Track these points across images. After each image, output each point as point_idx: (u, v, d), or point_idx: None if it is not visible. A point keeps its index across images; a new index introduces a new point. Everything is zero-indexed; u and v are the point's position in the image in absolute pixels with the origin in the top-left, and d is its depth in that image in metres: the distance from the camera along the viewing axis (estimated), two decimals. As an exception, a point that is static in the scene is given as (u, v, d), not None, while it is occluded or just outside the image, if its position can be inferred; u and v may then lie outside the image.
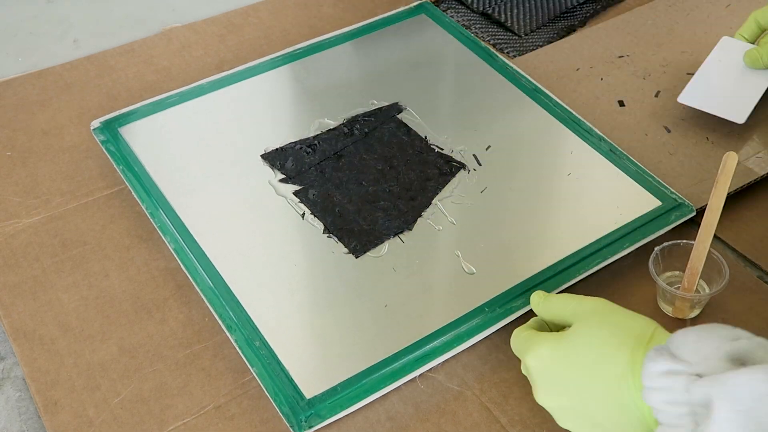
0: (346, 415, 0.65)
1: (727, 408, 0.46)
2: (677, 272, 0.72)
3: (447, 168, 0.80)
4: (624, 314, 0.59)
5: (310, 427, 0.62)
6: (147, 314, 0.72)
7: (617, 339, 0.56)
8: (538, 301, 0.65)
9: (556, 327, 0.64)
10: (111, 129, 0.84)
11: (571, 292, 0.72)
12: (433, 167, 0.80)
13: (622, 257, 0.75)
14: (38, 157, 0.85)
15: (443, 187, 0.78)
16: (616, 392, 0.55)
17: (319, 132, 0.84)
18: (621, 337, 0.56)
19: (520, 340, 0.62)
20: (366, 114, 0.86)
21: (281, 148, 0.82)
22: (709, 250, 0.69)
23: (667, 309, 0.71)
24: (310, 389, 0.64)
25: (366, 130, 0.84)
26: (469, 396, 0.66)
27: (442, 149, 0.82)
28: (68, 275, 0.74)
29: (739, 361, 0.50)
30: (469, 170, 0.80)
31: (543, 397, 0.60)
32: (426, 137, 0.83)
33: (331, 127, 0.84)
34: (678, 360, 0.51)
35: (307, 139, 0.83)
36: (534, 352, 0.60)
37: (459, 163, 0.81)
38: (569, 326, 0.61)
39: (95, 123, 0.84)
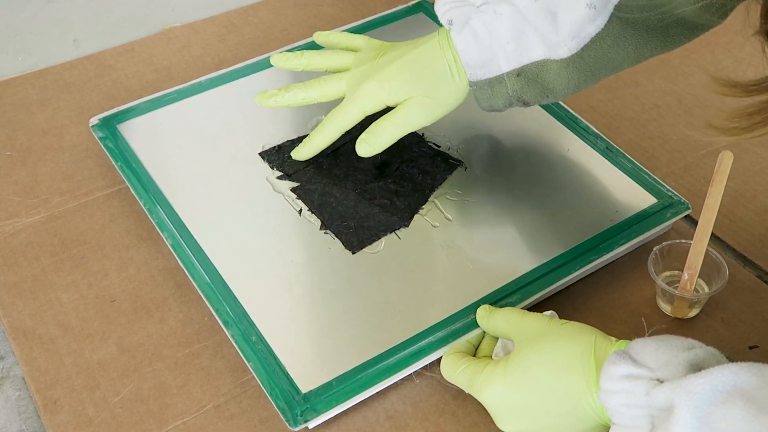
0: (345, 415, 0.65)
1: (688, 414, 0.49)
2: (676, 272, 0.72)
3: (444, 165, 0.80)
4: (564, 328, 0.61)
5: (306, 421, 0.62)
6: (146, 314, 0.72)
7: (565, 354, 0.59)
8: (483, 315, 0.67)
9: (486, 343, 0.67)
10: (109, 126, 0.84)
11: (570, 292, 0.73)
12: (430, 164, 0.80)
13: (621, 257, 0.75)
14: (38, 157, 0.85)
15: (440, 184, 0.79)
16: (577, 407, 0.58)
17: None
18: (568, 352, 0.59)
19: (463, 375, 0.63)
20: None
21: (279, 146, 0.82)
22: (708, 249, 0.70)
23: (666, 309, 0.71)
24: (306, 384, 0.64)
25: (363, 127, 0.84)
26: (468, 395, 0.66)
27: (439, 146, 0.82)
28: (68, 275, 0.74)
29: (697, 367, 0.53)
30: (465, 167, 0.80)
31: (506, 424, 0.61)
32: (423, 134, 0.83)
33: None
34: (639, 365, 0.54)
35: (305, 136, 0.83)
36: (489, 391, 0.61)
37: (456, 160, 0.81)
38: (508, 341, 0.65)
39: (94, 120, 0.85)
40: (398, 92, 0.72)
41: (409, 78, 0.71)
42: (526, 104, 0.72)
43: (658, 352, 0.54)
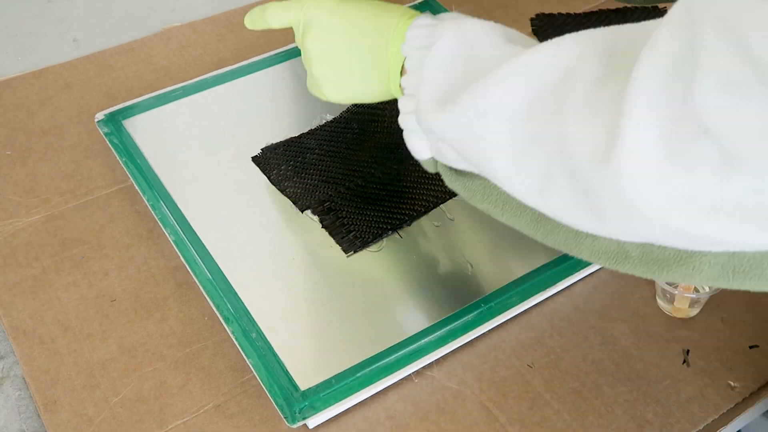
0: (346, 414, 0.65)
1: (451, 34, 0.54)
2: (676, 271, 0.72)
3: None
4: None
5: (304, 419, 0.62)
6: (146, 313, 0.72)
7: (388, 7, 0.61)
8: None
9: None
10: (115, 121, 0.84)
11: (570, 292, 0.73)
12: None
13: (621, 256, 0.75)
14: (38, 157, 0.85)
15: (455, 195, 0.77)
16: (377, 41, 0.60)
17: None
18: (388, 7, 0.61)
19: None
20: (363, 106, 0.85)
21: (274, 147, 0.81)
22: (708, 249, 0.70)
23: (666, 308, 0.71)
24: (304, 381, 0.64)
25: (364, 122, 0.83)
26: (468, 395, 0.66)
27: None
28: (68, 274, 0.74)
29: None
30: None
31: (311, 40, 0.62)
32: None
33: (328, 121, 0.84)
34: (441, 20, 0.57)
35: (303, 134, 0.83)
36: (317, 4, 0.62)
37: None
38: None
39: (99, 115, 0.85)
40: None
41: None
42: None
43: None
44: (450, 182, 0.59)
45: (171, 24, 1.02)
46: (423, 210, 0.76)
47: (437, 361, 0.68)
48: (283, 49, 0.93)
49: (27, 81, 0.94)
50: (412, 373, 0.67)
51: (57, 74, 0.95)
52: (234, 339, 0.67)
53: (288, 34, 1.00)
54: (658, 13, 1.01)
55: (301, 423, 0.62)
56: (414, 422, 0.64)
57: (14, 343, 0.70)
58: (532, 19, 1.01)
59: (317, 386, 0.64)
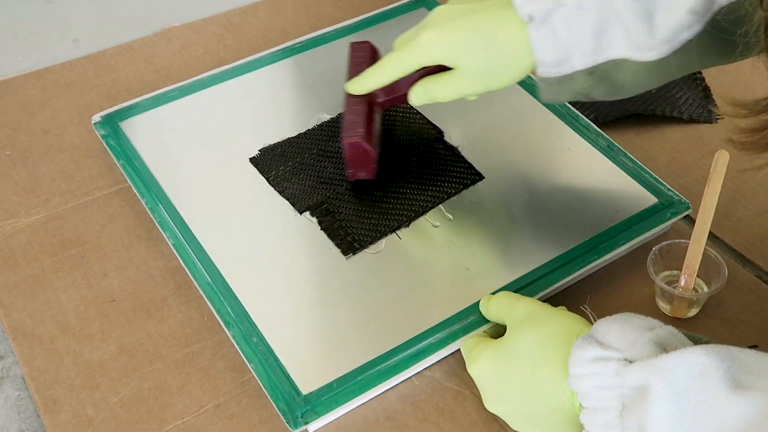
0: (345, 415, 0.65)
1: (664, 390, 0.49)
2: (675, 271, 0.72)
3: (465, 179, 0.79)
4: (551, 313, 0.62)
5: (306, 423, 0.62)
6: (146, 313, 0.72)
7: (547, 340, 0.59)
8: (484, 303, 0.68)
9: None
10: (112, 123, 0.84)
11: (569, 293, 0.73)
12: (451, 175, 0.79)
13: (620, 257, 0.75)
14: (38, 157, 0.85)
15: (453, 195, 0.77)
16: (553, 394, 0.57)
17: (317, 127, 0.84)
18: (549, 337, 0.59)
19: (466, 349, 0.66)
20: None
21: (272, 147, 0.81)
22: (707, 249, 0.70)
23: (665, 308, 0.71)
24: (306, 385, 0.64)
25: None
26: (467, 395, 0.66)
27: (455, 146, 0.82)
28: (67, 275, 0.75)
29: (661, 346, 0.53)
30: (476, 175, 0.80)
31: (490, 404, 0.63)
32: (443, 133, 0.83)
33: (325, 120, 0.84)
34: (606, 347, 0.54)
35: (300, 135, 0.83)
36: (474, 365, 0.63)
37: (478, 174, 0.79)
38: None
39: (96, 117, 0.85)
40: (456, 53, 0.67)
41: (472, 40, 0.66)
42: (590, 99, 0.69)
43: (624, 332, 0.54)
44: None
45: (171, 24, 1.02)
46: (421, 211, 0.76)
47: (437, 363, 0.68)
48: (281, 47, 0.93)
49: (27, 81, 0.94)
50: (413, 375, 0.67)
51: (57, 74, 0.95)
52: (235, 343, 0.67)
53: (286, 36, 1.00)
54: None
55: (303, 428, 0.62)
56: (413, 422, 0.64)
57: (14, 343, 0.70)
58: None
59: (319, 390, 0.64)
